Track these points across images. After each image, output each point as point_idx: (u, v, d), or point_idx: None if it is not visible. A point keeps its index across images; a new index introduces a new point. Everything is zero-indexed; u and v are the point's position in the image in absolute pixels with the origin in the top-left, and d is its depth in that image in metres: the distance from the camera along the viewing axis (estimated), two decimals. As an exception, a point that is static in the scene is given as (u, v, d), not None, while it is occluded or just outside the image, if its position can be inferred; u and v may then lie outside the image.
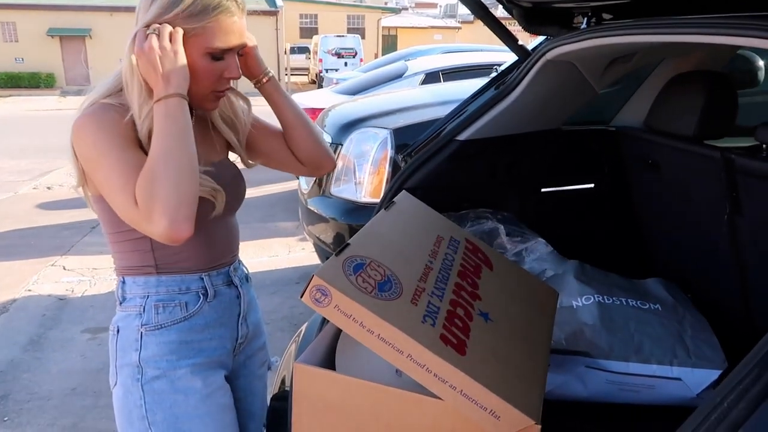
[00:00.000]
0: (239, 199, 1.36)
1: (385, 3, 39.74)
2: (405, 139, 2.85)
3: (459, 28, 35.67)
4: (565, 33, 1.46)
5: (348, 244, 1.04)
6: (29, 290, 4.24)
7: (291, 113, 1.38)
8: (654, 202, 1.72)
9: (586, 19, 1.45)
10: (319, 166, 1.44)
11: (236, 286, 1.33)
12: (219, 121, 1.33)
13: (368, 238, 1.10)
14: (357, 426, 0.97)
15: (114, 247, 1.25)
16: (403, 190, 1.36)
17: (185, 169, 1.07)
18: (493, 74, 1.83)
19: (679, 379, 1.30)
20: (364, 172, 2.91)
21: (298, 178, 3.91)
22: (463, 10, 44.70)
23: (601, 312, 1.42)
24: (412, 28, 34.35)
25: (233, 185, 1.31)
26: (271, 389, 1.57)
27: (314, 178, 3.36)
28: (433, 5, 48.97)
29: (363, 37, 25.84)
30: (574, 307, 1.45)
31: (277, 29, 22.60)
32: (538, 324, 1.15)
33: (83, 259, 4.87)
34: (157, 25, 1.11)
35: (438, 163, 1.67)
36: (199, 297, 1.26)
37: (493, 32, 1.61)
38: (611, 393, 1.35)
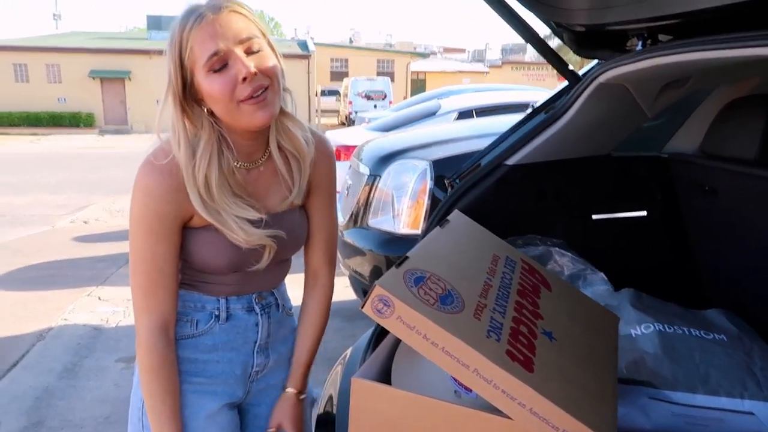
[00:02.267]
0: (290, 252, 1.31)
1: (414, 48, 40.52)
2: (444, 171, 2.84)
3: (487, 72, 36.10)
4: (618, 56, 1.45)
5: (407, 257, 1.02)
6: (65, 319, 4.28)
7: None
8: (711, 229, 1.66)
9: (641, 40, 1.43)
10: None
11: (256, 314, 1.30)
12: (280, 162, 1.24)
13: (426, 253, 1.07)
14: (417, 445, 0.93)
15: None
16: (456, 210, 1.33)
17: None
18: (529, 110, 1.82)
19: (752, 413, 1.22)
20: (403, 203, 2.90)
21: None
22: (491, 55, 45.34)
23: (663, 341, 1.35)
24: (441, 72, 34.87)
25: (286, 240, 1.25)
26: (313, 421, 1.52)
27: (351, 212, 3.36)
28: (461, 50, 49.79)
29: (392, 81, 26.27)
30: (633, 335, 1.39)
31: (308, 72, 23.18)
32: (603, 347, 1.10)
33: (118, 290, 4.92)
34: None
35: (486, 188, 1.64)
36: (212, 317, 1.25)
37: (544, 57, 1.60)
38: (677, 427, 1.27)
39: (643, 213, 1.76)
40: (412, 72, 32.74)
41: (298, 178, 1.26)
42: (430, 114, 5.85)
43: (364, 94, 22.13)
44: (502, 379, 0.86)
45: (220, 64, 1.09)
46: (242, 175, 1.21)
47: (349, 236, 3.19)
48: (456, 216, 1.28)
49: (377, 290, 0.90)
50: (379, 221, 3.05)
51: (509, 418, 0.87)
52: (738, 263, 1.62)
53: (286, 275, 1.38)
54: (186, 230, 1.18)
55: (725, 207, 1.56)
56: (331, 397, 1.54)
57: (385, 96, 22.27)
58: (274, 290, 1.34)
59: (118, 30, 34.01)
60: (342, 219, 3.42)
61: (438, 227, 1.20)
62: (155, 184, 1.13)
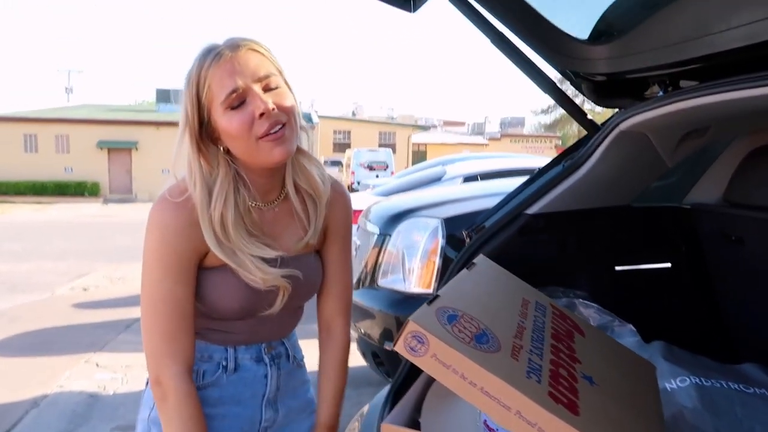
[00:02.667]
0: (303, 297, 1.27)
1: (416, 121, 41.49)
2: (455, 230, 2.81)
3: (486, 144, 36.80)
4: (638, 104, 1.45)
5: (438, 296, 0.97)
6: (61, 386, 4.14)
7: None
8: (739, 279, 1.61)
9: (662, 87, 1.44)
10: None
11: (265, 364, 1.23)
12: (296, 202, 1.21)
13: (456, 293, 1.03)
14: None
15: None
16: (481, 254, 1.29)
17: None
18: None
19: (803, 470, 1.14)
20: (414, 262, 2.85)
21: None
22: (490, 128, 46.35)
23: (701, 394, 1.28)
24: (442, 144, 35.57)
25: (301, 283, 1.20)
26: None
27: (360, 272, 3.31)
28: (461, 123, 50.99)
29: (394, 152, 26.73)
30: (669, 389, 1.31)
31: (312, 143, 23.47)
32: (645, 393, 1.03)
33: (117, 356, 4.79)
34: None
35: (506, 237, 1.61)
36: (219, 368, 1.19)
37: (562, 107, 1.60)
38: (723, 486, 1.18)
39: (668, 264, 1.71)
40: (414, 144, 33.39)
41: (314, 218, 1.23)
42: (436, 179, 5.89)
43: (366, 165, 22.43)
44: (547, 422, 0.79)
45: (239, 101, 1.08)
46: (258, 214, 1.18)
47: (358, 297, 3.12)
48: (482, 260, 1.24)
49: (411, 326, 0.85)
50: (390, 281, 2.99)
51: (555, 465, 0.80)
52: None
53: (296, 324, 1.32)
54: (199, 271, 1.14)
55: (753, 256, 1.52)
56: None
57: (387, 166, 22.57)
58: (285, 340, 1.28)
59: (127, 103, 34.97)
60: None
61: (465, 269, 1.15)
62: (171, 219, 1.10)
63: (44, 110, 26.98)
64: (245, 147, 1.10)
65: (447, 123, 50.16)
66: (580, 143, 1.64)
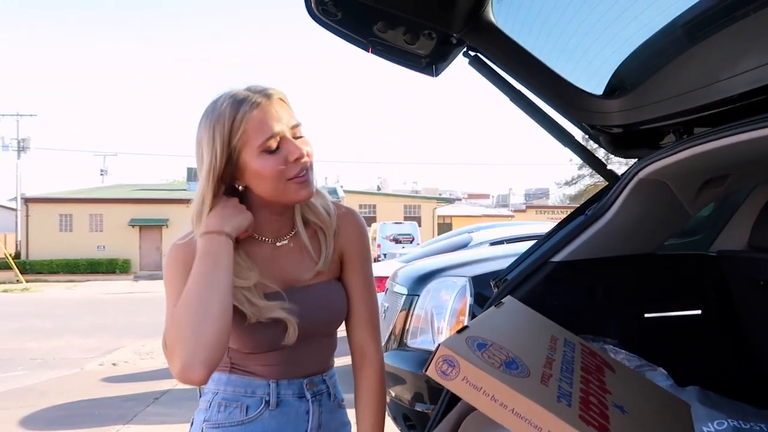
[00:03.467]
0: (323, 325, 1.28)
1: (440, 194, 41.88)
2: (483, 289, 2.82)
3: (512, 216, 36.80)
4: (654, 152, 1.50)
5: (467, 326, 1.00)
6: (89, 458, 4.11)
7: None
8: (771, 324, 1.60)
9: (677, 135, 1.49)
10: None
11: (307, 401, 1.25)
12: (305, 236, 1.27)
13: (485, 325, 1.06)
14: None
15: None
16: (509, 296, 1.32)
17: (210, 314, 1.07)
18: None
19: None
20: (443, 321, 2.86)
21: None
22: (515, 200, 46.48)
23: (739, 436, 1.26)
24: (467, 216, 35.68)
25: (314, 312, 1.24)
26: None
27: (388, 334, 3.31)
28: (486, 196, 51.25)
29: (419, 225, 26.87)
30: (705, 432, 1.30)
31: (338, 218, 23.80)
32: (679, 425, 1.03)
33: (145, 428, 4.77)
34: None
35: (534, 285, 1.63)
36: (261, 403, 1.22)
37: (581, 158, 1.66)
38: None
39: (698, 311, 1.71)
40: (439, 216, 33.57)
41: (324, 247, 1.29)
42: (462, 246, 5.91)
43: (392, 237, 22.54)
44: (579, 442, 0.80)
45: (276, 145, 1.16)
46: (270, 249, 1.25)
47: (387, 359, 3.11)
48: (510, 300, 1.28)
49: (441, 350, 0.88)
50: (419, 342, 2.99)
51: (589, 488, 0.80)
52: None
53: (333, 353, 1.34)
54: None
55: (783, 300, 1.52)
56: None
57: (413, 239, 22.64)
58: (325, 377, 1.30)
59: (159, 182, 36.17)
60: (379, 342, 3.35)
61: (493, 307, 1.19)
62: (181, 254, 1.18)
63: (79, 190, 27.96)
64: (274, 187, 1.17)
65: (471, 195, 50.53)
66: (603, 193, 1.69)
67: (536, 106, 1.67)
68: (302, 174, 1.18)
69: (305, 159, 1.18)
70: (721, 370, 1.66)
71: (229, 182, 1.21)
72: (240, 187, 1.23)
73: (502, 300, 1.24)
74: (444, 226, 34.23)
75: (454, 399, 1.31)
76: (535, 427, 0.82)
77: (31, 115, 35.51)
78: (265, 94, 1.18)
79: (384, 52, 1.69)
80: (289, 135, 1.18)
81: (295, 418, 1.24)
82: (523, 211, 40.26)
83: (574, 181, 34.91)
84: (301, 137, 1.21)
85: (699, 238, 1.94)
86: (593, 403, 0.92)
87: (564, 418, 0.82)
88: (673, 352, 1.63)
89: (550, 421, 0.82)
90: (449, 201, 37.71)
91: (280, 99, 1.20)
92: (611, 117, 1.57)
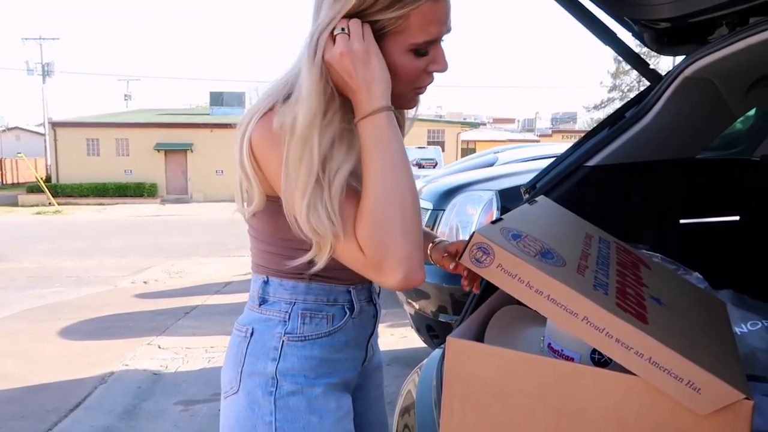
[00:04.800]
0: None
1: (464, 118, 41.17)
2: (511, 203, 2.78)
3: (537, 141, 36.19)
4: (703, 47, 1.41)
5: (501, 218, 0.97)
6: (126, 365, 4.31)
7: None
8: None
9: (730, 28, 1.39)
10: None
11: (374, 304, 1.21)
12: None
13: (520, 219, 1.03)
14: (519, 408, 0.85)
15: (265, 248, 1.13)
16: (542, 195, 1.29)
17: (410, 208, 0.93)
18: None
19: None
20: (468, 235, 2.84)
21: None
22: (541, 125, 45.56)
23: (773, 337, 1.24)
24: (491, 141, 35.17)
25: None
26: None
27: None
28: (511, 120, 50.25)
29: (443, 150, 26.60)
30: (739, 333, 1.28)
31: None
32: (716, 320, 1.01)
33: (177, 339, 4.96)
34: (346, 22, 0.94)
35: (565, 191, 1.59)
36: (345, 311, 1.14)
37: (622, 56, 1.57)
38: (799, 426, 1.14)
39: (736, 217, 1.66)
40: (463, 141, 33.14)
41: None
42: (488, 165, 5.82)
43: (415, 162, 22.37)
44: (616, 327, 0.78)
45: (428, 50, 0.99)
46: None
47: (411, 273, 3.13)
48: (543, 198, 1.24)
49: (476, 238, 0.86)
50: (444, 255, 2.99)
51: (627, 372, 0.79)
52: None
53: None
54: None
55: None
56: (409, 403, 1.46)
57: (436, 164, 22.45)
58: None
59: (182, 107, 36.04)
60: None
61: (526, 204, 1.15)
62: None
63: (105, 115, 28.07)
64: (397, 89, 1.00)
65: (497, 120, 49.56)
66: (643, 94, 1.60)
67: (577, 2, 1.57)
68: (425, 86, 1.05)
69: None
70: (757, 274, 1.62)
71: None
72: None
73: (536, 198, 1.20)
74: (468, 151, 33.84)
75: (481, 300, 1.30)
76: (572, 312, 0.80)
77: (54, 39, 35.16)
78: None
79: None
80: (443, 43, 1.01)
81: (366, 324, 1.20)
82: (549, 135, 39.51)
83: (603, 105, 33.94)
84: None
85: (743, 149, 1.86)
86: (630, 294, 0.90)
87: (601, 304, 0.80)
88: (709, 258, 1.58)
89: (587, 306, 0.80)
90: (474, 125, 37.07)
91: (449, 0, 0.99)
92: (659, 10, 1.47)
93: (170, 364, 4.31)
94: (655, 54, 1.62)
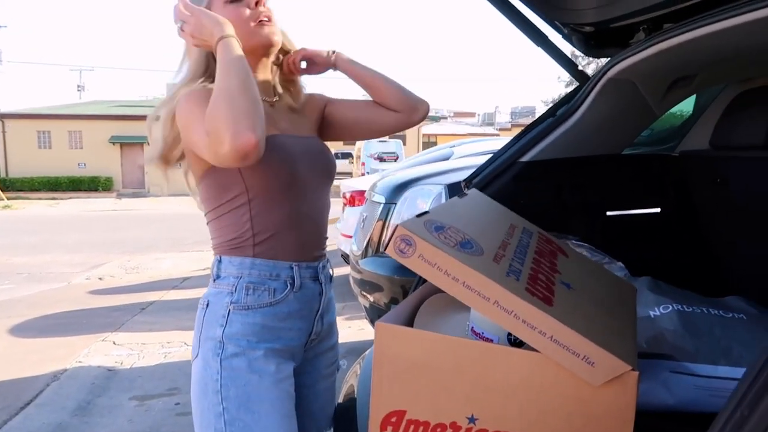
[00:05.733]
0: (320, 171, 1.39)
1: (425, 112, 41.26)
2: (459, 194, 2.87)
3: (497, 135, 36.64)
4: (624, 51, 1.51)
5: (427, 212, 1.05)
6: (80, 362, 4.27)
7: (368, 76, 1.47)
8: (725, 220, 1.67)
9: (646, 33, 1.50)
10: (414, 108, 1.48)
11: (320, 283, 1.37)
12: (290, 99, 1.44)
13: (445, 211, 1.11)
14: (439, 384, 0.93)
15: (214, 225, 1.32)
16: (474, 188, 1.37)
17: (237, 88, 1.13)
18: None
19: (776, 381, 1.20)
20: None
21: (351, 245, 3.93)
22: (501, 119, 46.16)
23: (682, 319, 1.35)
24: (452, 135, 35.47)
25: (312, 155, 1.37)
26: (338, 394, 1.53)
27: (366, 241, 3.39)
28: (471, 114, 50.77)
29: (404, 143, 26.73)
30: (652, 316, 1.39)
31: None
32: (620, 303, 1.11)
33: (133, 335, 4.92)
34: (179, 11, 1.27)
35: (501, 185, 1.68)
36: (287, 285, 1.30)
37: (552, 57, 1.67)
38: (700, 399, 1.26)
39: (657, 209, 1.78)
40: (424, 135, 33.33)
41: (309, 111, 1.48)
42: (443, 159, 5.93)
43: (376, 156, 22.46)
44: (523, 310, 0.87)
45: None
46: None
47: (364, 265, 3.20)
48: (474, 191, 1.32)
49: (399, 230, 0.93)
50: (395, 248, 3.06)
51: (532, 350, 0.88)
52: (755, 252, 1.62)
53: (328, 214, 1.45)
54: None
55: (738, 196, 1.59)
56: (351, 391, 1.53)
57: (398, 157, 22.59)
58: (329, 260, 1.43)
59: (139, 98, 35.25)
60: (357, 249, 3.44)
61: (456, 197, 1.23)
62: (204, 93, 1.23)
63: (57, 107, 27.27)
64: (241, 32, 1.26)
65: (457, 114, 49.97)
66: (573, 94, 1.70)
67: (509, 3, 1.66)
68: (264, 17, 1.31)
69: (265, 7, 1.33)
70: (675, 263, 1.75)
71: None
72: None
73: (466, 192, 1.28)
74: (429, 145, 34.05)
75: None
76: (484, 297, 0.89)
77: (1, 27, 33.90)
78: None
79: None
80: None
81: (311, 300, 1.35)
82: (509, 129, 40.06)
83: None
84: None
85: (668, 146, 1.98)
86: (541, 280, 0.99)
87: (510, 289, 0.88)
88: (631, 247, 1.70)
89: (498, 291, 0.88)
90: (435, 119, 37.32)
91: None
92: (584, 14, 1.57)
93: (125, 360, 4.29)
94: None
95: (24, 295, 6.67)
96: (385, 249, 0.95)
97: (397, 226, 0.94)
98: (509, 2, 1.65)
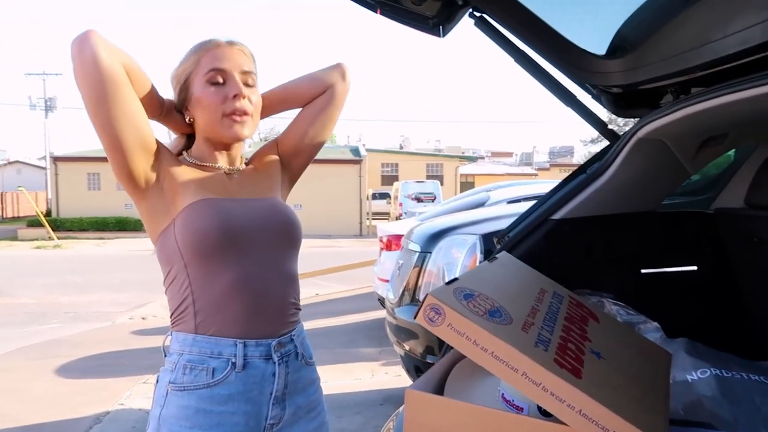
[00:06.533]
0: (273, 234, 1.29)
1: (463, 152, 41.56)
2: (494, 246, 2.89)
3: (535, 174, 36.48)
4: (653, 112, 1.53)
5: (457, 278, 1.08)
6: (121, 404, 4.35)
7: (283, 93, 1.46)
8: (765, 280, 1.65)
9: (674, 96, 1.52)
10: (333, 79, 1.45)
11: (274, 363, 1.25)
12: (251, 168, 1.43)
13: (475, 277, 1.13)
14: (469, 455, 0.94)
15: (168, 296, 1.27)
16: (504, 251, 1.39)
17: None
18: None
19: (820, 453, 1.17)
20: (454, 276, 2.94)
21: (386, 294, 3.95)
22: (539, 158, 45.98)
23: (721, 385, 1.33)
24: (489, 175, 35.46)
25: (263, 217, 1.29)
26: None
27: (401, 290, 3.41)
28: (509, 154, 50.72)
29: (442, 184, 26.82)
30: (689, 380, 1.37)
31: (360, 176, 24.01)
32: (653, 372, 1.10)
33: (172, 377, 4.99)
34: None
35: (533, 242, 1.70)
36: (228, 364, 1.20)
37: (582, 117, 1.70)
38: (740, 469, 1.22)
39: (694, 267, 1.76)
40: (461, 175, 33.41)
41: (273, 172, 1.45)
42: (479, 205, 5.95)
43: (414, 196, 22.57)
44: (551, 382, 0.88)
45: (221, 79, 1.28)
46: (222, 176, 1.35)
47: (400, 314, 3.22)
48: (504, 255, 1.34)
49: (429, 299, 0.96)
50: (430, 297, 3.08)
51: (561, 424, 0.88)
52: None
53: (297, 301, 1.34)
54: (174, 218, 1.24)
55: (776, 256, 1.57)
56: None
57: (435, 198, 22.64)
58: (293, 336, 1.31)
59: (183, 142, 36.31)
60: (393, 297, 3.46)
61: (486, 261, 1.26)
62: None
63: (107, 150, 28.41)
64: (210, 119, 1.29)
65: (495, 153, 50.02)
66: (603, 152, 1.72)
67: (539, 66, 1.70)
68: (238, 114, 1.28)
69: (244, 101, 1.29)
70: (712, 323, 1.72)
71: (180, 111, 1.34)
72: (189, 120, 1.34)
73: (497, 255, 1.31)
74: (466, 185, 34.10)
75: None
76: (513, 368, 0.90)
77: (57, 74, 35.81)
78: (229, 41, 1.32)
79: (392, 13, 1.73)
80: (237, 77, 1.29)
81: (261, 381, 1.24)
82: (547, 169, 39.86)
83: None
84: (251, 86, 1.33)
85: (702, 198, 1.97)
86: (570, 349, 1.00)
87: (539, 361, 0.90)
88: (667, 307, 1.68)
89: (525, 363, 0.90)
90: (472, 159, 37.43)
91: (241, 50, 1.32)
92: (612, 77, 1.60)
93: (165, 403, 4.34)
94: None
95: (69, 334, 6.87)
96: (415, 317, 0.98)
97: (427, 294, 0.97)
98: (538, 65, 1.70)
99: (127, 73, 1.18)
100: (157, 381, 1.25)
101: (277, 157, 1.46)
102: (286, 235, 1.31)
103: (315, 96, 1.45)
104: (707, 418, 1.27)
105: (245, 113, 1.29)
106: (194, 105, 1.31)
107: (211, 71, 1.27)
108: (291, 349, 1.30)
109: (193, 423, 1.18)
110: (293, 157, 1.47)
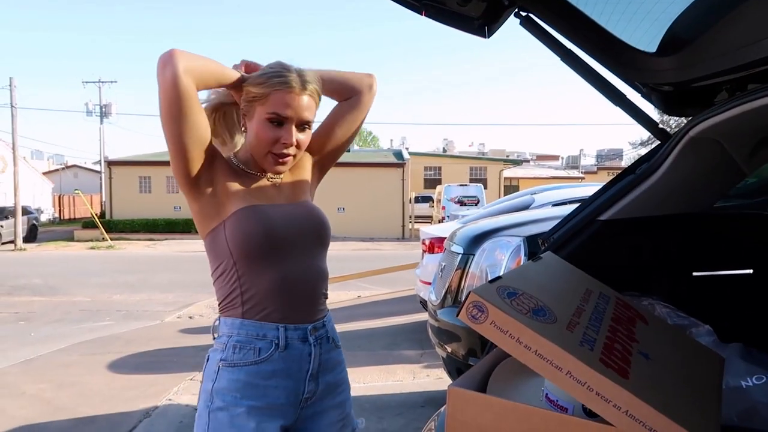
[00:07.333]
0: (309, 236, 1.47)
1: (507, 156, 41.08)
2: (539, 248, 2.85)
3: (582, 178, 35.75)
4: (706, 110, 1.48)
5: (500, 277, 1.07)
6: (170, 399, 4.47)
7: (337, 80, 1.57)
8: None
9: (729, 93, 1.47)
10: (360, 89, 1.58)
11: (310, 344, 1.44)
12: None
13: (519, 276, 1.12)
14: (512, 454, 0.93)
15: (215, 287, 1.45)
16: (549, 251, 1.37)
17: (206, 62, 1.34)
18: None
19: None
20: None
21: (429, 295, 3.94)
22: (586, 162, 45.05)
23: (777, 391, 1.28)
24: (534, 178, 34.95)
25: (299, 221, 1.46)
26: None
27: (444, 291, 3.40)
28: (555, 157, 49.85)
29: (485, 187, 26.58)
30: (744, 387, 1.32)
31: (403, 180, 23.98)
32: (704, 375, 1.07)
33: (219, 375, 5.10)
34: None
35: (579, 244, 1.67)
36: (272, 345, 1.39)
37: (631, 116, 1.66)
38: (798, 480, 1.18)
39: (749, 270, 1.70)
40: (505, 178, 33.03)
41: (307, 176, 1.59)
42: (524, 208, 5.87)
43: (457, 200, 22.45)
44: (597, 382, 0.87)
45: (280, 122, 1.40)
46: (262, 180, 1.50)
47: (443, 316, 3.20)
48: (548, 255, 1.33)
49: (472, 297, 0.96)
50: (473, 299, 3.05)
51: (607, 424, 0.87)
52: None
53: (326, 295, 1.52)
54: (225, 221, 1.40)
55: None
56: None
57: (478, 201, 22.46)
58: (326, 321, 1.51)
59: (230, 146, 37.12)
60: (435, 299, 3.45)
61: (530, 261, 1.24)
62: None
63: (157, 153, 29.17)
64: (258, 150, 1.43)
65: (540, 157, 49.24)
66: (653, 152, 1.68)
67: (587, 65, 1.67)
68: (282, 157, 1.43)
69: (292, 149, 1.43)
70: (769, 329, 1.65)
71: (243, 112, 1.45)
72: (243, 128, 1.47)
73: (541, 255, 1.29)
74: (510, 189, 33.69)
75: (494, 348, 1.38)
76: (557, 367, 0.89)
77: (112, 82, 37.16)
78: (302, 82, 1.41)
79: (437, 15, 1.73)
80: (294, 127, 1.41)
81: (299, 360, 1.43)
82: (595, 172, 39.03)
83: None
84: (305, 130, 1.45)
85: (759, 201, 1.90)
86: (617, 349, 0.98)
87: (584, 360, 0.88)
88: (720, 310, 1.63)
89: (570, 362, 0.88)
90: (516, 163, 36.97)
91: (311, 96, 1.43)
92: (663, 75, 1.56)
93: (211, 400, 4.44)
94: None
95: (122, 331, 7.11)
96: (458, 314, 0.98)
97: (470, 292, 0.97)
98: (586, 64, 1.67)
99: (204, 81, 1.35)
100: (207, 360, 1.43)
101: (309, 159, 1.60)
102: (319, 237, 1.50)
103: (351, 96, 1.59)
104: (763, 426, 1.22)
105: (289, 157, 1.44)
106: (251, 125, 1.44)
107: (274, 114, 1.39)
108: (323, 333, 1.49)
109: (243, 394, 1.36)
110: (322, 158, 1.62)
